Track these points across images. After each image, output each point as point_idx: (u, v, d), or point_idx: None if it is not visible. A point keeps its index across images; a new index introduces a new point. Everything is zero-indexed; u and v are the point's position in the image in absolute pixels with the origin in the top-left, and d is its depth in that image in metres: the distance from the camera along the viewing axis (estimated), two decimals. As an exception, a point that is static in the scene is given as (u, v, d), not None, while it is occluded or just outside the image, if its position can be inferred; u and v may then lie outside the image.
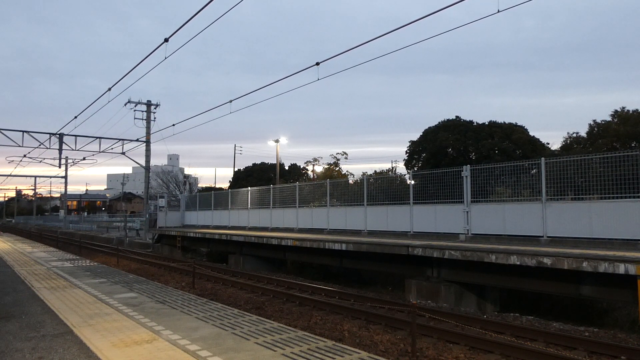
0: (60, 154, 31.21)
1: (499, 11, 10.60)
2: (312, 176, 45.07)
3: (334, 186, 20.92)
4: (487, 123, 30.45)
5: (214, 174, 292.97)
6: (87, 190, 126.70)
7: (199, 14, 11.12)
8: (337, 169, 44.07)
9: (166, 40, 13.33)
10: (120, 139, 32.68)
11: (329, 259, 16.69)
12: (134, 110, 33.08)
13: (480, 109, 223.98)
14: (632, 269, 8.43)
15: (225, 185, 56.24)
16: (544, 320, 10.48)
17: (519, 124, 30.14)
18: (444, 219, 15.41)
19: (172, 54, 17.19)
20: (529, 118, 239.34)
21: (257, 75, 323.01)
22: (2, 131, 28.53)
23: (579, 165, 12.61)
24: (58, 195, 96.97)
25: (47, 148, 30.94)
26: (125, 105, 32.80)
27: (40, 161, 45.06)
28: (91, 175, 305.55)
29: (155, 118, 33.65)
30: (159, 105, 33.89)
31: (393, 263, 13.91)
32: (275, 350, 5.01)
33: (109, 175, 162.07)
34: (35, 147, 31.64)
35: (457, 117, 31.59)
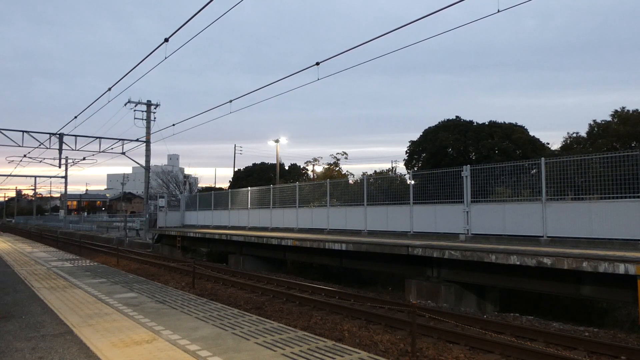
0: (60, 154, 31.22)
1: (499, 11, 10.60)
2: (312, 176, 45.06)
3: (334, 186, 20.92)
4: (487, 123, 30.44)
5: (214, 174, 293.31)
6: (87, 190, 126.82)
7: (199, 13, 11.13)
8: (337, 169, 44.04)
9: (166, 40, 13.34)
10: (120, 139, 32.71)
11: (329, 259, 16.69)
12: (134, 110, 33.10)
13: (480, 109, 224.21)
14: (632, 269, 8.43)
15: (225, 185, 56.27)
16: (544, 320, 10.48)
17: (519, 124, 30.14)
18: (444, 219, 15.41)
19: (172, 53, 17.19)
20: (529, 118, 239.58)
21: (258, 75, 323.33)
22: (2, 131, 28.54)
23: (579, 165, 12.60)
24: (58, 195, 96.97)
25: (47, 148, 30.97)
26: (125, 105, 32.82)
27: (40, 161, 45.10)
28: (91, 175, 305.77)
29: (155, 118, 33.69)
30: (159, 105, 33.91)
31: (393, 263, 13.90)
32: (275, 350, 5.01)
33: (109, 175, 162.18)
34: (35, 147, 31.68)
35: (457, 117, 31.59)
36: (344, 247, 14.75)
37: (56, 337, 5.65)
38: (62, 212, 64.40)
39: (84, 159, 45.04)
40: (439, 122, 31.47)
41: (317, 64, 14.62)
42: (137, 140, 33.22)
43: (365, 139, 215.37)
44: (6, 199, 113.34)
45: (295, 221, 22.37)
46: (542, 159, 13.30)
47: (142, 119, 33.36)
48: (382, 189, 18.86)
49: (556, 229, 12.53)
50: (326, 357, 4.78)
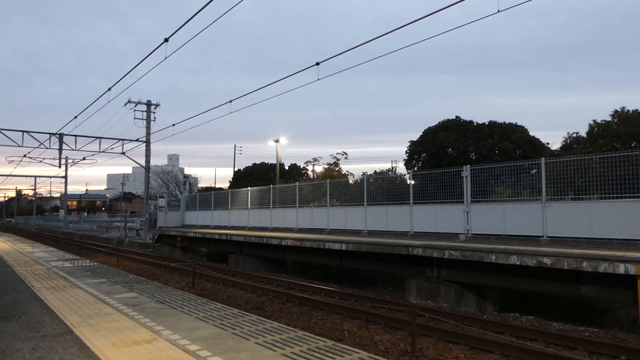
0: (60, 154, 31.20)
1: (499, 11, 10.60)
2: (312, 176, 45.05)
3: (334, 186, 20.92)
4: (487, 123, 30.44)
5: (214, 174, 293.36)
6: (87, 190, 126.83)
7: (199, 13, 11.12)
8: (337, 169, 44.02)
9: (166, 40, 13.34)
10: (120, 139, 32.71)
11: (329, 259, 16.69)
12: (134, 110, 33.09)
13: (480, 109, 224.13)
14: (632, 269, 8.43)
15: (225, 185, 56.27)
16: (544, 320, 10.47)
17: (519, 124, 30.14)
18: (444, 219, 15.41)
19: (172, 53, 17.20)
20: (529, 118, 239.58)
21: (258, 75, 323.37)
22: (2, 131, 28.54)
23: (579, 165, 12.61)
24: (58, 195, 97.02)
25: (47, 148, 30.97)
26: (125, 105, 32.82)
27: (40, 161, 45.11)
28: (91, 175, 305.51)
29: (155, 118, 33.68)
30: (159, 105, 33.90)
31: (393, 263, 13.90)
32: (275, 350, 5.01)
33: (109, 175, 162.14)
34: (35, 147, 31.67)
35: (457, 117, 31.58)
36: (344, 247, 14.75)
37: (56, 337, 5.65)
38: (62, 212, 64.49)
39: (84, 159, 45.08)
40: (439, 122, 31.47)
41: (317, 64, 14.62)
42: (137, 140, 33.22)
43: (365, 139, 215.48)
44: (6, 199, 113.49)
45: (295, 221, 22.37)
46: (542, 159, 13.30)
47: (142, 119, 33.38)
48: (382, 189, 18.86)
49: (556, 229, 12.53)
50: (326, 357, 4.78)
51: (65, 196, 62.17)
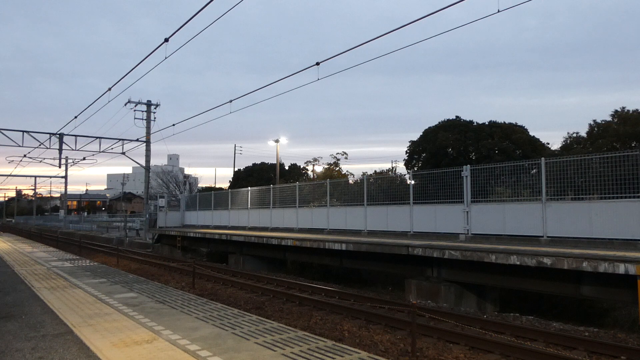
0: (60, 154, 31.21)
1: (499, 11, 10.60)
2: (312, 176, 45.04)
3: (334, 186, 20.93)
4: (487, 123, 30.44)
5: (214, 174, 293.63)
6: (87, 190, 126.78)
7: (199, 13, 11.13)
8: (337, 169, 44.01)
9: (166, 40, 13.34)
10: (120, 139, 32.71)
11: (329, 259, 16.69)
12: (134, 110, 33.09)
13: (481, 109, 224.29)
14: (632, 269, 8.43)
15: (225, 185, 56.28)
16: (544, 320, 10.47)
17: (519, 124, 30.14)
18: (444, 219, 15.41)
19: (173, 53, 17.21)
20: (529, 118, 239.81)
21: (258, 75, 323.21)
22: (2, 131, 28.53)
23: (579, 165, 12.61)
24: (58, 195, 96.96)
25: (47, 148, 30.97)
26: (125, 105, 32.82)
27: (40, 161, 45.11)
28: (91, 175, 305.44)
29: (155, 118, 33.68)
30: (159, 105, 33.89)
31: (393, 263, 13.91)
32: (275, 350, 5.01)
33: (109, 175, 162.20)
34: (35, 147, 31.67)
35: (457, 117, 31.57)
36: (344, 247, 14.75)
37: (56, 337, 5.65)
38: (62, 212, 64.46)
39: (84, 159, 45.14)
40: (439, 122, 31.47)
41: (317, 64, 14.63)
42: (137, 140, 33.22)
43: (365, 139, 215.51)
44: (6, 199, 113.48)
45: (295, 221, 22.37)
46: (542, 159, 13.30)
47: (142, 119, 33.38)
48: (382, 189, 18.86)
49: (556, 229, 12.53)
50: (326, 357, 4.78)
51: (65, 196, 62.21)
